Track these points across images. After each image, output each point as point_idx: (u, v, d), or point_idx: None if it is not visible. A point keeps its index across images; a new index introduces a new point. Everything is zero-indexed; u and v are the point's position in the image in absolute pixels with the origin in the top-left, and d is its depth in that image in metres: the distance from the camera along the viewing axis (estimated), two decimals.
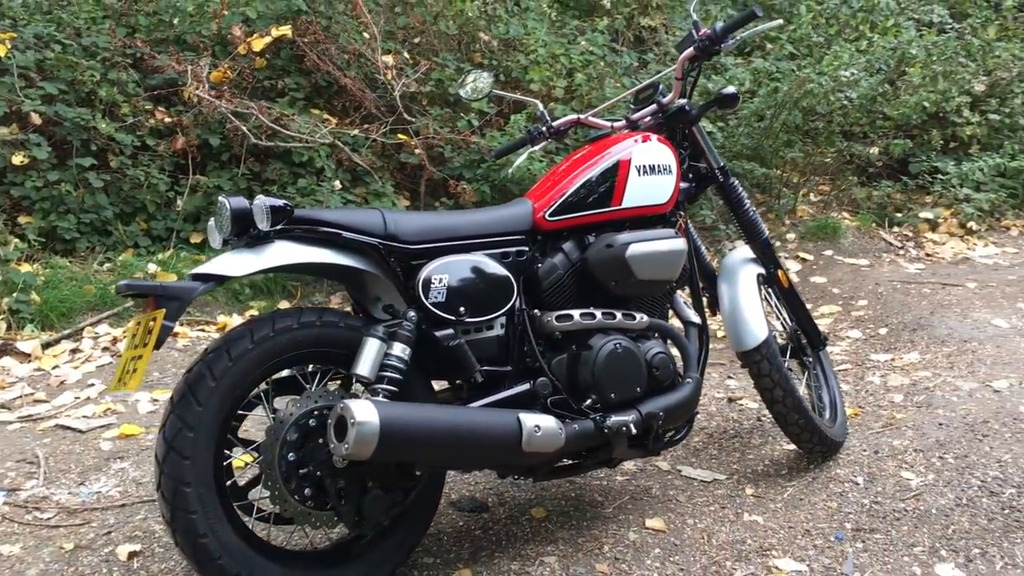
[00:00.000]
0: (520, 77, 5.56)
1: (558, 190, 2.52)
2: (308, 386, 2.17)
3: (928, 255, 5.72)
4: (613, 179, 2.54)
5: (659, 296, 2.65)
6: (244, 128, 4.51)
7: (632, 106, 2.93)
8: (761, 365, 2.80)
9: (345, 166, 4.78)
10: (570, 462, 2.45)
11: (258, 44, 4.99)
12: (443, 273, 2.23)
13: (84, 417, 3.21)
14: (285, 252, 2.09)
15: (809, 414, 2.88)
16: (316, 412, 2.09)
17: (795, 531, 2.60)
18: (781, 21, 3.67)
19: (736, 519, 2.66)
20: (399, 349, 2.12)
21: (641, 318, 2.53)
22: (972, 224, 5.87)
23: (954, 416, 3.35)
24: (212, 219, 2.18)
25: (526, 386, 2.32)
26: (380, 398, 2.05)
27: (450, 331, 2.22)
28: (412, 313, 2.17)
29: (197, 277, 2.05)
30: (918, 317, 4.53)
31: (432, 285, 2.21)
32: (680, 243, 2.58)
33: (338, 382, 2.31)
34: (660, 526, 2.60)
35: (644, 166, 2.58)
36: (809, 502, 2.76)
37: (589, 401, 2.37)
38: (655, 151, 2.63)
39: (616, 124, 2.86)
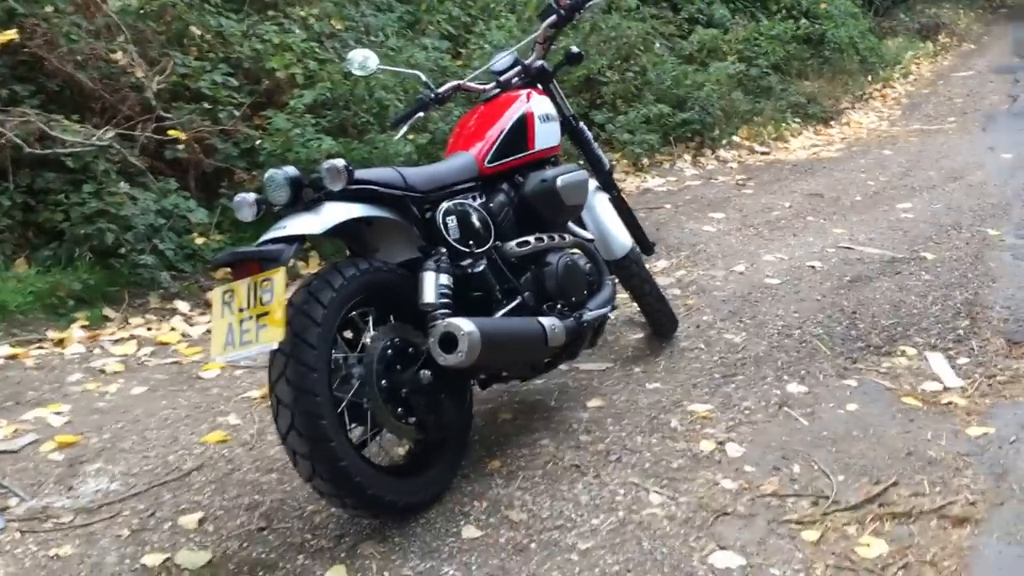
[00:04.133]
0: (252, 68, 5.69)
1: (488, 141, 2.99)
2: (365, 327, 2.46)
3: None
4: (525, 128, 3.08)
5: (569, 220, 3.24)
6: (14, 137, 4.22)
7: (493, 71, 3.44)
8: (631, 268, 3.52)
9: (117, 168, 4.65)
10: (548, 360, 2.97)
11: None
12: (451, 215, 2.65)
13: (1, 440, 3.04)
14: (339, 210, 2.38)
15: (666, 301, 3.67)
16: (391, 344, 2.41)
17: (686, 386, 3.38)
18: None
19: (643, 389, 3.38)
20: (445, 279, 2.51)
21: (568, 238, 3.11)
22: (645, 160, 7.14)
23: (727, 294, 4.38)
24: (239, 195, 2.39)
25: (517, 300, 2.80)
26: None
27: (470, 260, 2.64)
28: (443, 249, 2.56)
29: (275, 241, 2.27)
30: (649, 233, 5.52)
31: (449, 226, 2.61)
32: (585, 174, 3.20)
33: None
34: (599, 403, 3.25)
35: (543, 115, 3.16)
36: (680, 367, 3.56)
37: (559, 306, 2.91)
38: (544, 103, 3.22)
39: (488, 86, 3.36)
